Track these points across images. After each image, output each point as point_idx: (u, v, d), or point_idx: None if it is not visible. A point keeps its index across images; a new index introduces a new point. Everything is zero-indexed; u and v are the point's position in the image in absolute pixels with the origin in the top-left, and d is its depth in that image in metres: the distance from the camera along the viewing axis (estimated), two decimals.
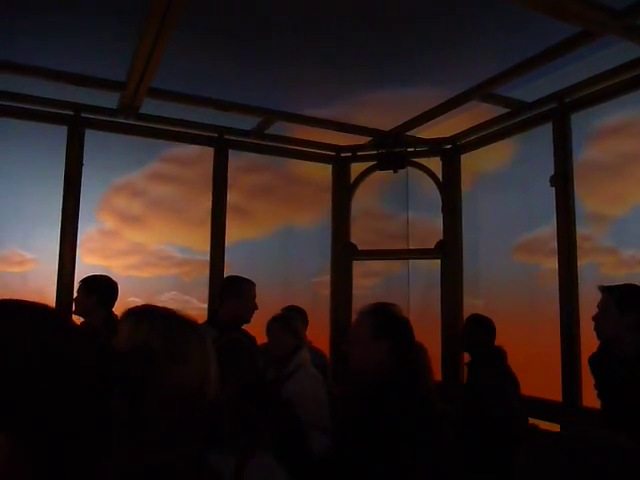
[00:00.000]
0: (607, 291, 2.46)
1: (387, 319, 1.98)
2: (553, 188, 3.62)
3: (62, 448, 0.64)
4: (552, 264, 3.62)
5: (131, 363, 0.74)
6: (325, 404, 3.01)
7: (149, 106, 3.90)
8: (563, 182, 3.56)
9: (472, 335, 3.47)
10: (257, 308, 3.25)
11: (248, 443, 1.20)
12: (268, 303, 3.92)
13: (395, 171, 4.70)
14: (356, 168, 4.90)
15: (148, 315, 1.03)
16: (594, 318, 2.50)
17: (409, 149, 4.68)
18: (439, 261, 4.58)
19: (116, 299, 3.22)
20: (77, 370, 0.67)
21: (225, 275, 4.02)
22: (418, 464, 1.75)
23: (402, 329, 1.99)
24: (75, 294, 3.23)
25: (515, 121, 3.95)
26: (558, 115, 3.63)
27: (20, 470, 0.63)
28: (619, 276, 3.37)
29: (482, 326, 3.47)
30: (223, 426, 1.08)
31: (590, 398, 3.29)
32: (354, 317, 2.07)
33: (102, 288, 3.20)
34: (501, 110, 3.95)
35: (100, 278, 3.26)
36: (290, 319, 3.30)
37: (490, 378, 3.23)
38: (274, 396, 2.25)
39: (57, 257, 3.80)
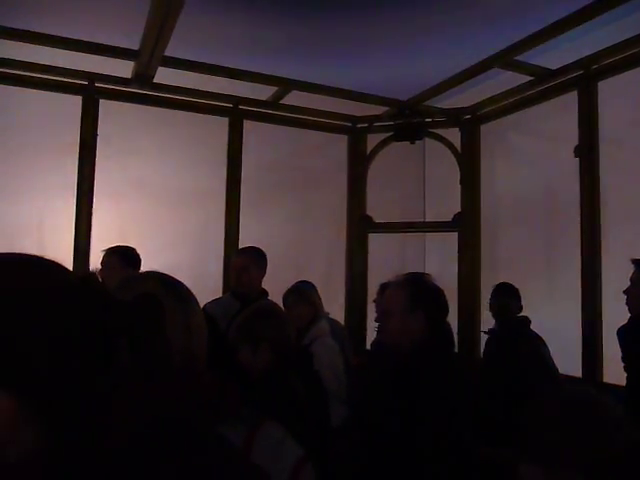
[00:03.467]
0: (638, 264, 2.42)
1: (422, 290, 1.98)
2: (577, 159, 3.52)
3: (67, 407, 0.61)
4: (575, 237, 3.54)
5: (137, 311, 0.70)
6: (343, 374, 3.03)
7: (164, 75, 3.85)
8: (588, 152, 3.46)
9: (503, 302, 3.49)
10: (236, 276, 3.16)
11: (256, 414, 1.17)
12: (283, 277, 3.90)
13: (412, 142, 4.62)
14: (372, 139, 4.81)
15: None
16: (625, 292, 2.46)
17: (427, 119, 4.59)
18: (456, 234, 4.52)
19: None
20: (78, 319, 0.63)
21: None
22: (452, 433, 1.75)
23: (437, 299, 1.99)
24: (99, 266, 3.18)
25: (538, 89, 3.83)
26: (584, 83, 3.51)
27: (26, 433, 0.60)
28: None
29: (512, 294, 3.51)
30: (227, 396, 1.04)
31: (610, 374, 3.26)
32: (377, 289, 2.07)
33: (132, 257, 3.16)
34: (524, 78, 3.83)
35: (127, 248, 3.21)
36: (305, 290, 3.28)
37: (528, 345, 3.24)
38: (309, 365, 2.23)
39: (73, 229, 3.80)
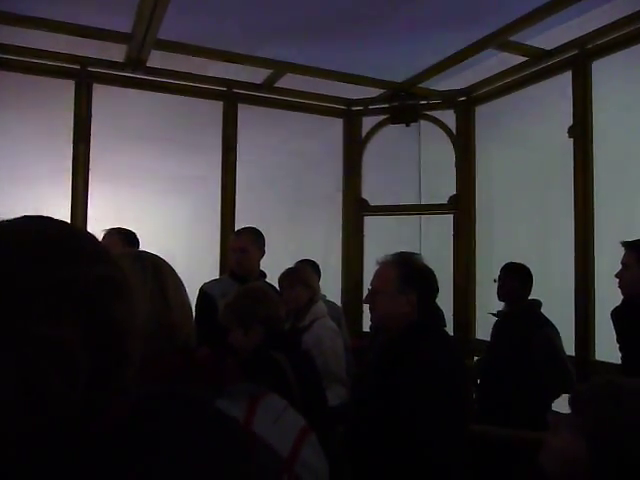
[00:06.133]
0: (629, 247, 2.43)
1: (414, 270, 1.95)
2: (571, 140, 3.52)
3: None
4: (569, 217, 3.56)
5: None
6: (342, 356, 3.02)
7: (157, 59, 3.82)
8: (582, 133, 3.46)
9: (512, 288, 3.31)
10: (235, 258, 3.14)
11: (256, 388, 1.19)
12: (279, 260, 3.91)
13: (408, 125, 4.61)
14: (368, 122, 4.80)
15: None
16: (617, 275, 2.47)
17: (422, 102, 4.57)
18: (452, 216, 4.53)
19: None
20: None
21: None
22: (450, 412, 1.75)
23: (429, 280, 1.97)
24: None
25: (533, 70, 3.81)
26: (578, 63, 3.50)
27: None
28: None
29: (521, 276, 3.32)
30: (226, 372, 1.07)
31: (603, 352, 3.30)
32: (375, 268, 2.04)
33: (133, 239, 3.18)
34: (519, 59, 3.81)
35: (128, 230, 3.23)
36: (301, 271, 3.27)
37: (546, 337, 3.12)
38: (297, 346, 2.25)
39: (69, 213, 3.80)
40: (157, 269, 1.03)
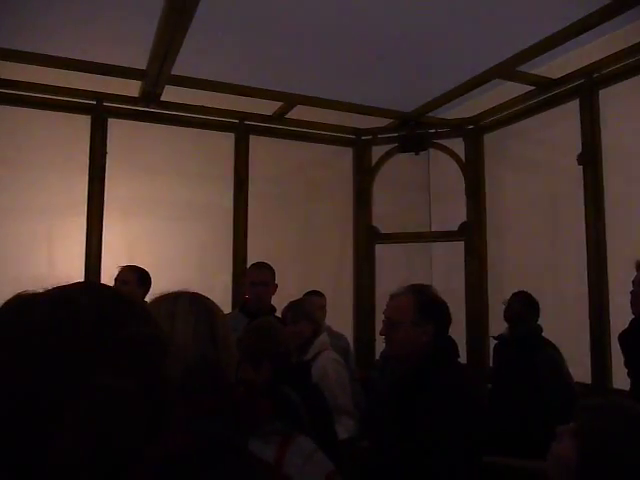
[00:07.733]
0: None
1: (432, 302, 1.99)
2: (581, 167, 3.54)
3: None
4: (581, 244, 3.55)
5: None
6: (348, 387, 3.00)
7: (171, 92, 3.91)
8: (591, 160, 3.48)
9: (519, 310, 3.44)
10: (257, 292, 3.20)
11: (287, 427, 1.20)
12: (290, 289, 3.92)
13: (417, 153, 4.65)
14: (377, 151, 4.85)
15: None
16: (632, 292, 2.48)
17: (431, 130, 4.62)
18: (462, 243, 4.53)
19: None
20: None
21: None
22: (468, 443, 1.76)
23: (445, 312, 2.01)
24: (117, 283, 3.20)
25: (540, 99, 3.85)
26: (586, 91, 3.54)
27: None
28: None
29: (529, 303, 3.44)
30: (259, 410, 1.08)
31: (620, 380, 3.25)
32: (387, 297, 2.07)
33: (147, 278, 3.25)
34: (526, 88, 3.86)
35: (143, 269, 3.29)
36: (304, 305, 3.25)
37: (549, 357, 3.19)
38: (307, 379, 2.25)
39: (83, 247, 3.85)
40: (210, 312, 1.10)
